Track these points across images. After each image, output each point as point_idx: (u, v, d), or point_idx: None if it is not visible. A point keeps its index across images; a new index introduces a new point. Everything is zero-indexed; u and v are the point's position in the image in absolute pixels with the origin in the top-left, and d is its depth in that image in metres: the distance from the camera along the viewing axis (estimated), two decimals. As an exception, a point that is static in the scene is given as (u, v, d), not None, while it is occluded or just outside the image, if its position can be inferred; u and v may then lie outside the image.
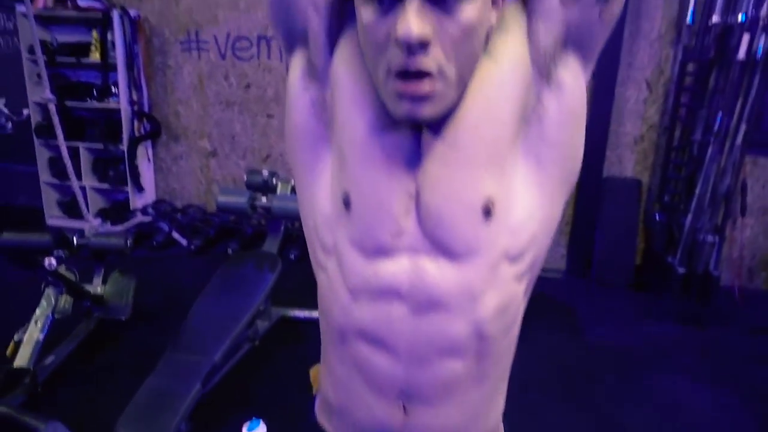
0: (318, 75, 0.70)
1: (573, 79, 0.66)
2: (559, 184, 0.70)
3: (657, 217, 3.45)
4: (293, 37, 0.71)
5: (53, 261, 2.03)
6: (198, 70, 4.11)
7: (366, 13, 0.60)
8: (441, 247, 0.66)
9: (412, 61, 0.57)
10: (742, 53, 2.88)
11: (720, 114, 3.04)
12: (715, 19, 3.02)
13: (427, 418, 0.72)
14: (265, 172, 2.68)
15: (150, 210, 4.14)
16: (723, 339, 2.95)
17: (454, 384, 0.71)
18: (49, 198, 4.36)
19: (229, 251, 3.75)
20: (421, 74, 0.58)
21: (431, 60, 0.58)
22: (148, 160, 4.28)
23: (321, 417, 0.85)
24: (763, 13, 2.82)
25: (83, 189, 3.93)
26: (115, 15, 3.77)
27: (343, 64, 0.68)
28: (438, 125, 0.64)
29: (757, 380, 2.56)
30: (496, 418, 0.80)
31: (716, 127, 3.05)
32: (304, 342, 2.65)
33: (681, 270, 3.20)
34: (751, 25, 2.87)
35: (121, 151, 4.07)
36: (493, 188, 0.65)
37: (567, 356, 2.70)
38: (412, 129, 0.66)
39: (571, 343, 2.84)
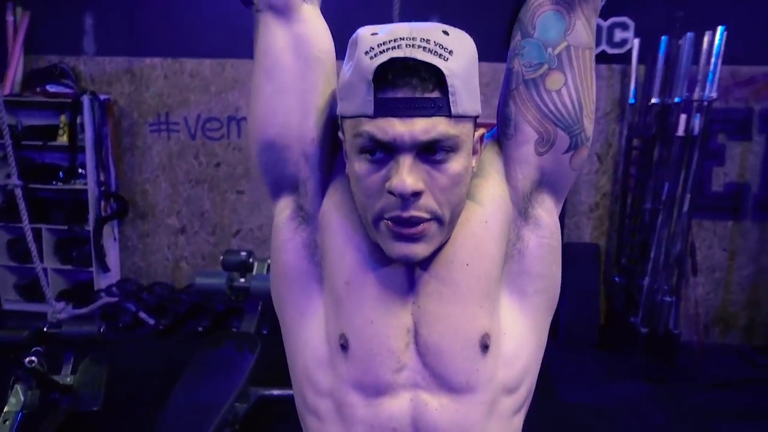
0: (308, 219, 0.74)
1: (548, 215, 0.73)
2: (543, 312, 0.76)
3: (616, 279, 3.64)
4: (281, 185, 0.75)
5: (34, 359, 1.97)
6: (167, 150, 4.17)
7: (359, 165, 0.64)
8: (441, 380, 0.68)
9: (406, 210, 0.62)
10: (680, 130, 3.19)
11: (666, 184, 3.31)
12: (654, 100, 3.35)
13: None
14: (243, 253, 2.72)
15: (114, 290, 4.05)
16: (688, 395, 3.08)
17: None
18: (6, 281, 4.21)
19: (200, 329, 3.69)
20: (415, 220, 0.63)
21: (423, 207, 0.63)
22: (114, 239, 4.23)
23: None
24: (695, 96, 3.16)
25: (44, 271, 3.83)
26: (85, 100, 3.82)
27: (333, 208, 0.72)
28: (429, 262, 0.69)
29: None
30: None
31: (664, 197, 3.32)
32: (286, 421, 2.61)
33: (644, 330, 3.37)
34: (686, 105, 3.20)
35: (86, 232, 4.01)
36: (487, 323, 0.69)
37: (545, 418, 2.76)
38: (405, 264, 0.69)
39: (547, 404, 2.90)
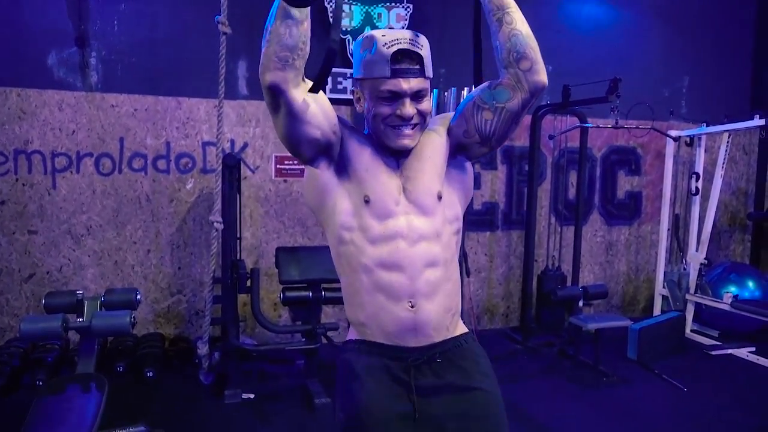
0: (334, 161, 1.28)
1: (461, 164, 1.35)
2: (460, 196, 1.35)
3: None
4: (319, 155, 1.26)
5: None
6: (-68, 188, 3.58)
7: (380, 107, 1.23)
8: (420, 209, 1.26)
9: (407, 121, 1.23)
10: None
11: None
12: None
13: (426, 307, 1.24)
14: (79, 292, 2.61)
15: None
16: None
17: (437, 284, 1.25)
18: None
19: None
20: (412, 126, 1.24)
21: (414, 120, 1.24)
22: None
23: (357, 335, 1.30)
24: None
25: None
26: None
27: (350, 148, 1.29)
28: (408, 157, 1.29)
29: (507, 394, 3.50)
30: (457, 307, 1.33)
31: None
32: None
33: (438, 324, 4.12)
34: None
35: None
36: (439, 187, 1.29)
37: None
38: (395, 160, 1.29)
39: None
